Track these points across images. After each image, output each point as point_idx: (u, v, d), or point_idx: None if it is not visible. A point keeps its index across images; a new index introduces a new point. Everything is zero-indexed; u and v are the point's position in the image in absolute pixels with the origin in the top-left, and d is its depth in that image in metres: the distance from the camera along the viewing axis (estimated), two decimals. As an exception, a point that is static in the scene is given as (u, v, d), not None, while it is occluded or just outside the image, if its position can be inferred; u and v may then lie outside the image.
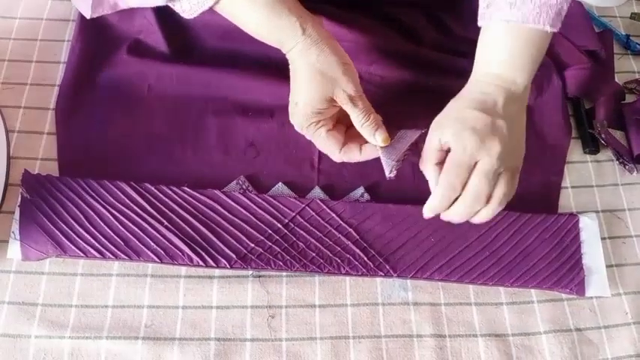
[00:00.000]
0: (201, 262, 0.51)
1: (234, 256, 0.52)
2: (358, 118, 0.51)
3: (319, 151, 0.58)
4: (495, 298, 0.54)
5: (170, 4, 0.49)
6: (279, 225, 0.53)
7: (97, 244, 0.51)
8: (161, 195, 0.54)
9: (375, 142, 0.51)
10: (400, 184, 0.57)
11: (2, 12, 0.65)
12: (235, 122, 0.59)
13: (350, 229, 0.54)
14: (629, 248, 0.58)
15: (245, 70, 0.61)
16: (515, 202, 0.57)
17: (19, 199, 0.52)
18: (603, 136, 0.62)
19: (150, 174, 0.56)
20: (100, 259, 0.51)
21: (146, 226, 0.52)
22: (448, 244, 0.54)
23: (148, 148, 0.58)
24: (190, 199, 0.54)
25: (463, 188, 0.46)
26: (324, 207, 0.55)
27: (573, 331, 0.53)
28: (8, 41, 0.63)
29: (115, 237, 0.51)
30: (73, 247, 0.50)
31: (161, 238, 0.52)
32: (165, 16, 0.60)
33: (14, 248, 0.51)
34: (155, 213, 0.53)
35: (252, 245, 0.52)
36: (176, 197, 0.54)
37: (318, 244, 0.53)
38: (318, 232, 0.53)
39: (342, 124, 0.53)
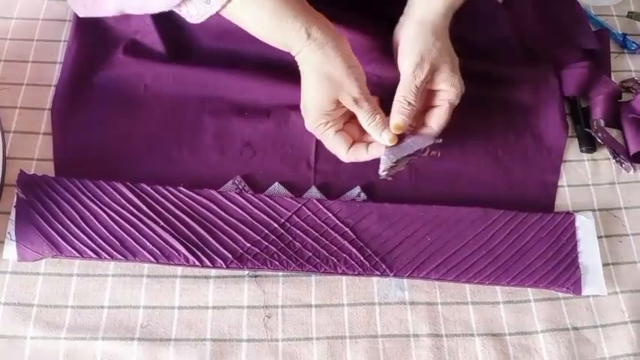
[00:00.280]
0: (197, 262, 0.51)
1: (230, 255, 0.51)
2: (364, 119, 0.51)
3: (315, 151, 0.58)
4: (492, 297, 0.54)
5: (176, 10, 0.49)
6: (275, 225, 0.53)
7: (92, 245, 0.51)
8: (157, 195, 0.54)
9: (382, 141, 0.52)
10: (397, 183, 0.57)
11: (-2, 12, 0.65)
12: (232, 122, 0.59)
13: (346, 229, 0.54)
14: (625, 247, 0.58)
15: (241, 71, 0.61)
16: (511, 201, 0.58)
17: (15, 199, 0.52)
18: (600, 134, 0.62)
19: (146, 174, 0.56)
20: (95, 260, 0.51)
21: (142, 226, 0.52)
22: (444, 244, 0.54)
23: (144, 149, 0.58)
24: (186, 199, 0.54)
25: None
26: (321, 206, 0.54)
27: (570, 330, 0.53)
28: (4, 41, 0.63)
29: (111, 237, 0.51)
30: (69, 248, 0.50)
31: (157, 238, 0.51)
32: (161, 16, 0.60)
33: (10, 249, 0.50)
34: (151, 213, 0.52)
35: (249, 245, 0.52)
36: (172, 197, 0.54)
37: (314, 243, 0.53)
38: (314, 232, 0.53)
39: (355, 123, 0.54)
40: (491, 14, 0.64)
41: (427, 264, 0.53)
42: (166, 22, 0.61)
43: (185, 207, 0.53)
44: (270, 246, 0.52)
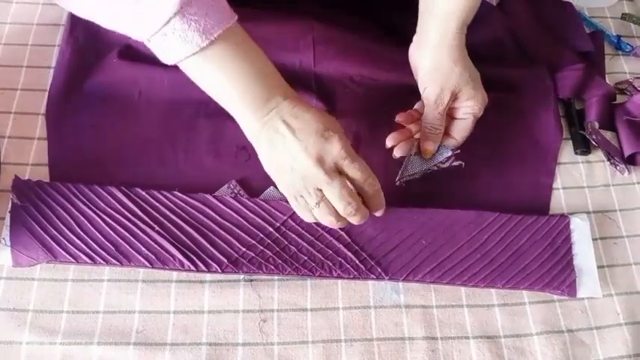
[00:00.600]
0: (192, 267, 0.51)
1: (225, 260, 0.51)
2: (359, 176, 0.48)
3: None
4: (487, 300, 0.54)
5: (147, 44, 0.46)
6: (270, 229, 0.53)
7: (87, 250, 0.51)
8: (152, 199, 0.54)
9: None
10: (391, 187, 0.57)
11: (-8, 17, 0.65)
12: (226, 126, 0.59)
13: (341, 232, 0.54)
14: (620, 249, 0.58)
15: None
16: (506, 203, 0.58)
17: (10, 205, 0.52)
18: (594, 136, 0.62)
19: (141, 178, 0.56)
20: (90, 265, 0.51)
21: (137, 230, 0.52)
22: (439, 247, 0.54)
23: (139, 153, 0.58)
24: (181, 203, 0.54)
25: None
26: (316, 210, 0.55)
27: (565, 332, 0.53)
28: (-2, 46, 0.63)
29: (106, 242, 0.51)
30: (63, 253, 0.50)
31: (152, 242, 0.51)
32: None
33: (5, 254, 0.50)
34: (146, 218, 0.52)
35: (244, 249, 0.52)
36: (167, 202, 0.54)
37: (309, 247, 0.53)
38: (309, 236, 0.53)
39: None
40: (485, 16, 0.64)
41: (422, 267, 0.53)
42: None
43: (180, 211, 0.53)
44: (265, 250, 0.52)
